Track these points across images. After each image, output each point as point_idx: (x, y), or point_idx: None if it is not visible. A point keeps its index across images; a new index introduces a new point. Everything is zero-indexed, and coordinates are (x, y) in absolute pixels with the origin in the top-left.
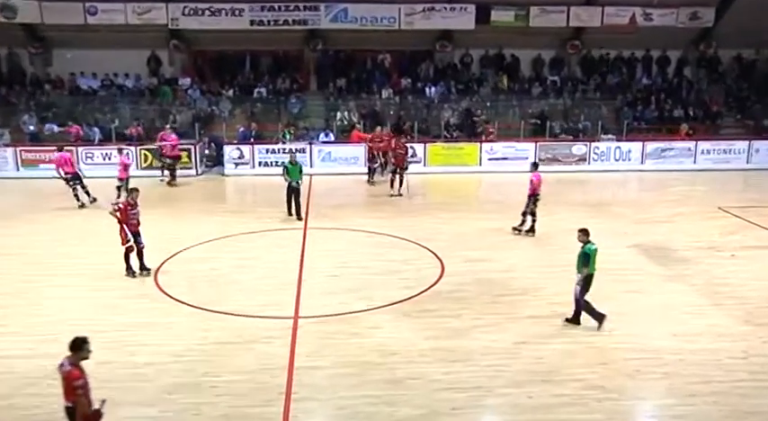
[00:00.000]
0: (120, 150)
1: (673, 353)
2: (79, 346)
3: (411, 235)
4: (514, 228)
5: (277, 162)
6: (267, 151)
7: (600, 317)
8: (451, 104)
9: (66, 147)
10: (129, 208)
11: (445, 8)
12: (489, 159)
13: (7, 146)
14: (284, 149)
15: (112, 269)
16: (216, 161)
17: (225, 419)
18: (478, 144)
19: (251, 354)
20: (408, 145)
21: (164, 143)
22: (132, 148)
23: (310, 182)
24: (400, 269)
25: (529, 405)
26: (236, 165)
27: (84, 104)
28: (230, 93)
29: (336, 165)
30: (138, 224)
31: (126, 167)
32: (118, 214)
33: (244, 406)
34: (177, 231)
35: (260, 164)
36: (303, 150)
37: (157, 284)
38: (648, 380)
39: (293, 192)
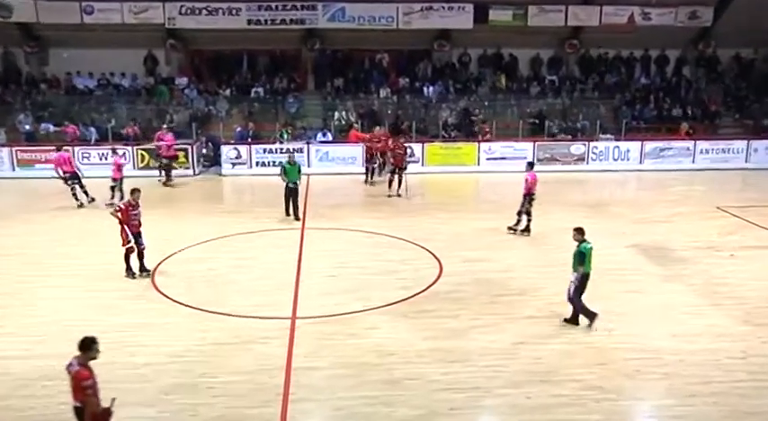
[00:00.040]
0: (113, 150)
1: (672, 354)
2: (88, 346)
3: (409, 235)
4: (510, 228)
5: (274, 162)
6: (264, 151)
7: (592, 316)
8: (449, 104)
9: (64, 147)
10: (131, 208)
11: (443, 7)
12: (488, 159)
13: (3, 145)
14: (282, 149)
15: (110, 269)
16: (213, 161)
17: (222, 420)
18: (477, 144)
19: (249, 355)
20: (407, 145)
21: (161, 143)
22: (129, 148)
23: (308, 182)
24: (398, 269)
25: (527, 405)
26: (234, 165)
27: (80, 104)
28: (227, 92)
29: (334, 165)
30: (140, 225)
31: (120, 167)
32: (119, 215)
33: (241, 406)
34: (174, 232)
35: (257, 164)
36: (301, 150)
37: (155, 285)
38: (647, 380)
39: (291, 192)
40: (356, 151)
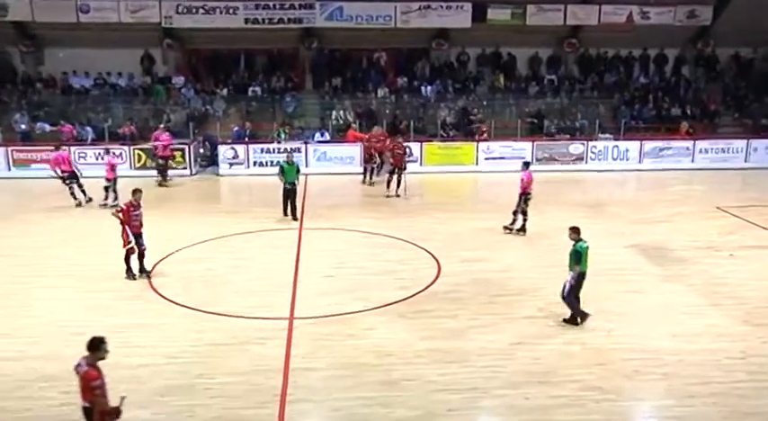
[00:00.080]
0: (107, 151)
1: (671, 354)
2: (97, 346)
3: (407, 235)
4: (505, 227)
5: (272, 162)
6: (262, 151)
7: (584, 316)
8: (448, 103)
9: (62, 147)
10: (132, 209)
11: (441, 6)
12: (486, 159)
13: None
14: (279, 149)
15: (106, 270)
16: (210, 161)
17: None
18: (475, 143)
19: (245, 356)
20: (405, 144)
21: (157, 143)
22: (126, 148)
23: (306, 182)
24: (396, 269)
25: (525, 406)
26: (231, 164)
27: (76, 103)
28: (224, 92)
29: (332, 164)
30: (141, 225)
31: (113, 167)
32: (120, 215)
33: (238, 407)
34: (172, 232)
35: (255, 163)
36: (298, 150)
37: (151, 285)
38: (647, 380)
39: (289, 193)
40: (354, 151)
